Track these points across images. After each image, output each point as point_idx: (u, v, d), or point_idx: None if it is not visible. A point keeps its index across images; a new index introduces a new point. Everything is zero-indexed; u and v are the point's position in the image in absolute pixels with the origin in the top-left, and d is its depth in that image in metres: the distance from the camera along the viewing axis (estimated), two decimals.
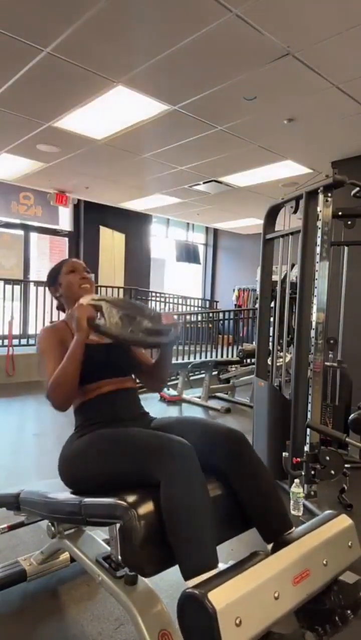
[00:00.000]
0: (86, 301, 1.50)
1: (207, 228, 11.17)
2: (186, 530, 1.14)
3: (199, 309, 10.13)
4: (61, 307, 1.83)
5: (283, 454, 2.70)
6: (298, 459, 2.58)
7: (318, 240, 2.66)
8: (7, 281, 6.92)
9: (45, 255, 8.64)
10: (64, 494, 1.49)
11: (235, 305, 10.13)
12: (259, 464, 1.38)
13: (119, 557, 1.19)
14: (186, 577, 1.11)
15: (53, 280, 1.79)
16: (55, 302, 1.87)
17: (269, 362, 3.30)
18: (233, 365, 5.92)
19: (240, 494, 1.35)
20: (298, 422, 2.71)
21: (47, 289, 1.80)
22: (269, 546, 1.28)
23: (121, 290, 8.56)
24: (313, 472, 2.53)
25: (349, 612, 1.16)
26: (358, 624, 1.19)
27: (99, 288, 8.30)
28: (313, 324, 2.68)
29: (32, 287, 7.34)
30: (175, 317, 1.67)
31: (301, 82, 3.39)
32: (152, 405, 5.24)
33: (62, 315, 1.83)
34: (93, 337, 1.59)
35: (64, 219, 8.71)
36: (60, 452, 1.56)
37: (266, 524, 1.32)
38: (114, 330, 1.48)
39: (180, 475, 1.20)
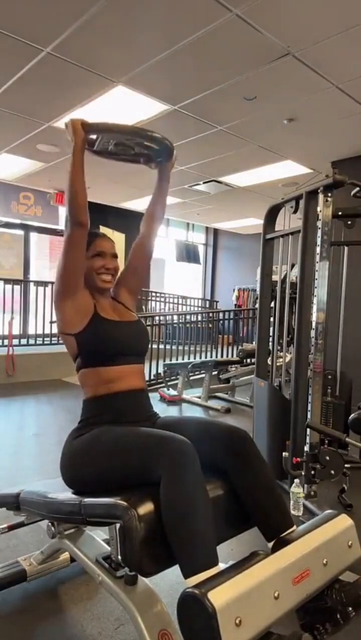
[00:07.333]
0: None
1: (207, 228, 11.16)
2: (185, 527, 1.14)
3: (199, 309, 10.12)
4: None
5: (283, 454, 2.70)
6: (298, 459, 2.58)
7: (318, 240, 2.66)
8: (7, 281, 6.92)
9: (45, 255, 8.64)
10: (64, 494, 1.49)
11: (235, 305, 10.12)
12: (262, 461, 1.38)
13: (119, 557, 1.19)
14: (186, 575, 1.11)
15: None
16: None
17: (269, 362, 3.30)
18: (233, 365, 5.91)
19: (241, 492, 1.35)
20: (298, 422, 2.70)
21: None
22: (270, 544, 1.28)
23: None
24: (313, 472, 2.53)
25: (350, 609, 1.16)
26: (359, 622, 1.19)
27: None
28: (313, 324, 2.68)
29: (32, 287, 7.33)
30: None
31: (301, 82, 3.39)
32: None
33: None
34: (110, 315, 1.61)
35: (64, 219, 8.70)
36: (62, 450, 1.56)
37: (267, 521, 1.32)
38: (109, 125, 1.51)
39: (180, 473, 1.19)
